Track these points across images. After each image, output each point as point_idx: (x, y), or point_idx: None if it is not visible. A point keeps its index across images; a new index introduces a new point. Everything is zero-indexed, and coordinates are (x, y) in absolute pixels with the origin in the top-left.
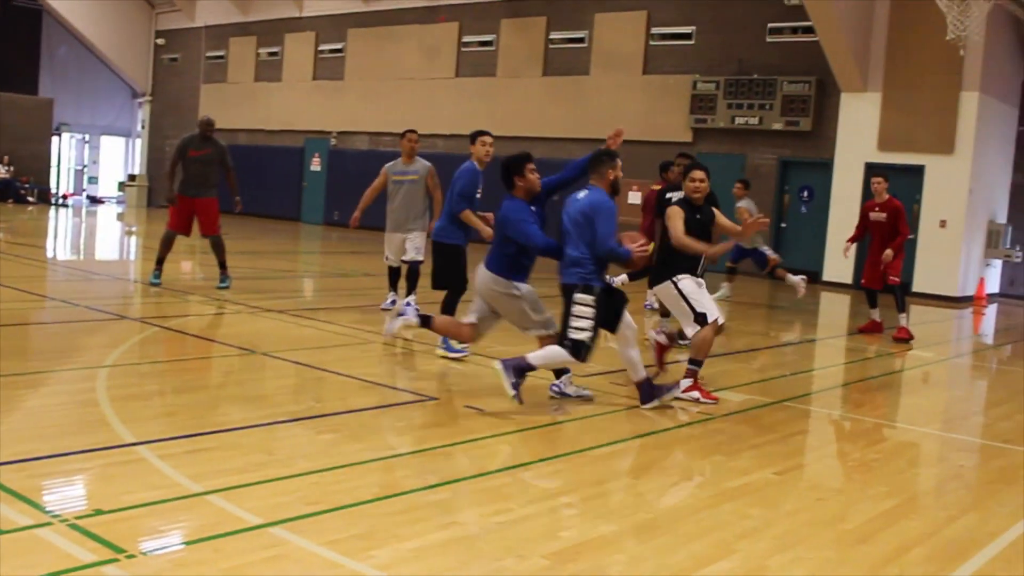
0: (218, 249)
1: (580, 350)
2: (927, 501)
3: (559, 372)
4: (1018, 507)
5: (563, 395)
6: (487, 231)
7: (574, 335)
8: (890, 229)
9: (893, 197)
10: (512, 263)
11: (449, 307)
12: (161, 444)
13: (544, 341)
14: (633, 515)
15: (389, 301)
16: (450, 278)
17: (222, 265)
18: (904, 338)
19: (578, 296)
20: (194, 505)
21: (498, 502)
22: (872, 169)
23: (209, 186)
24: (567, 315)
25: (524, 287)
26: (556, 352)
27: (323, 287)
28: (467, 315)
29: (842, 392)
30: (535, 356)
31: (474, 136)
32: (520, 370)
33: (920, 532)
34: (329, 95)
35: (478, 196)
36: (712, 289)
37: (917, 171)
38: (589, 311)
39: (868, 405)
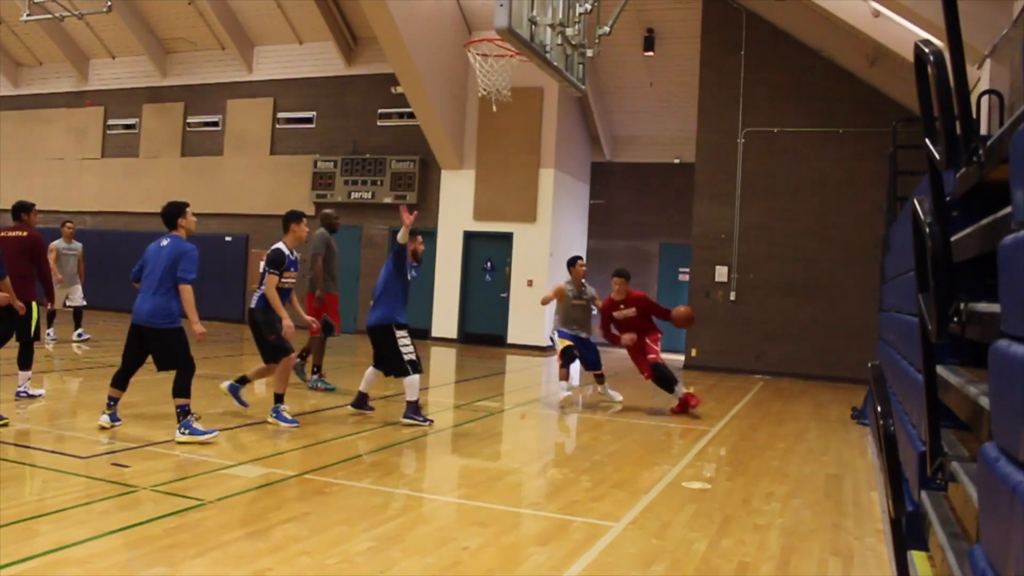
0: None
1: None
2: None
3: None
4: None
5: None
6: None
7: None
8: (644, 319)
9: (632, 290)
10: None
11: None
12: None
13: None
14: None
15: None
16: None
17: None
18: (690, 406)
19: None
20: None
21: None
22: (470, 237)
23: None
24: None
25: None
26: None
27: None
28: None
29: (374, 458)
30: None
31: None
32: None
33: None
34: None
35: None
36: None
37: (507, 238)
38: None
39: (383, 470)
